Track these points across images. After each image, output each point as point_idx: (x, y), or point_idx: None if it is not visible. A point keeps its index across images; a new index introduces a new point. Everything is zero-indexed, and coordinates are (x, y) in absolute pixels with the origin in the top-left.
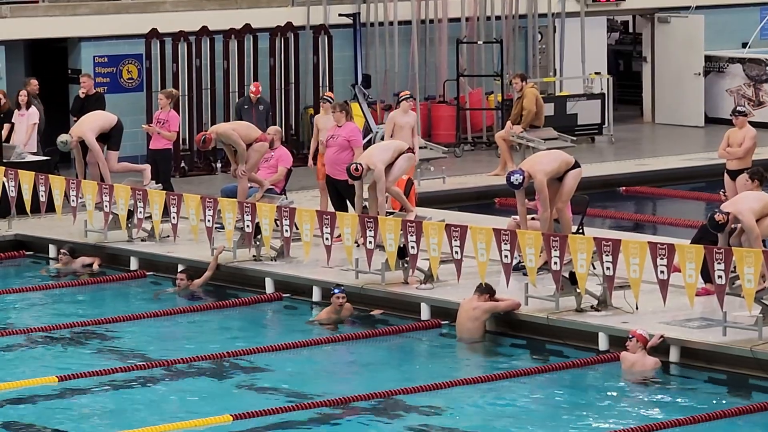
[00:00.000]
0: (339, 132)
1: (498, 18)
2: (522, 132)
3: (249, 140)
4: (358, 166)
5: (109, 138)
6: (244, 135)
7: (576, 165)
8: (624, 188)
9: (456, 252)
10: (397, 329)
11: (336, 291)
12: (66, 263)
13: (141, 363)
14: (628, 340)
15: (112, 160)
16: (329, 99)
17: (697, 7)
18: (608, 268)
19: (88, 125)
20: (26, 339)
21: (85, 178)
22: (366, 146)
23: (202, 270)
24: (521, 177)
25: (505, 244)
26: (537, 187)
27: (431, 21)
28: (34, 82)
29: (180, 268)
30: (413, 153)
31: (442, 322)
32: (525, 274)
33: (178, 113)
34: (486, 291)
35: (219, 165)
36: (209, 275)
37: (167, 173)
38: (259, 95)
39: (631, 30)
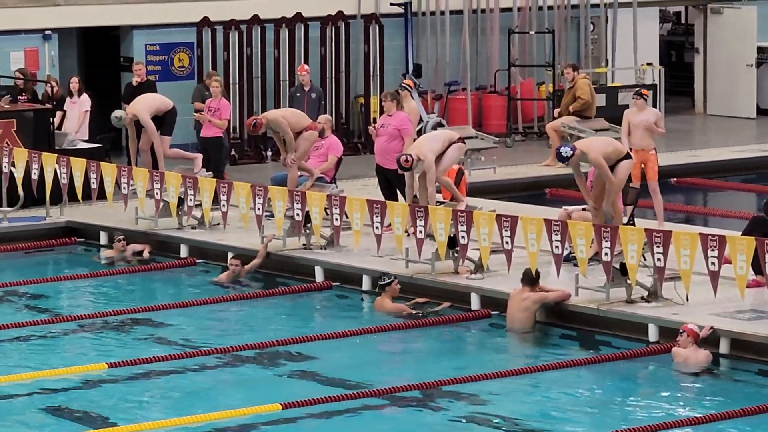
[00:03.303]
0: (389, 121)
1: (550, 8)
2: (574, 122)
3: (299, 128)
4: (408, 157)
5: (162, 123)
6: (294, 123)
7: (627, 156)
8: (675, 179)
9: (506, 242)
10: (447, 319)
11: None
12: (120, 250)
13: (190, 351)
14: (678, 335)
15: (165, 145)
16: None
17: None
18: (659, 260)
19: (143, 104)
20: (76, 326)
21: (138, 155)
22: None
23: (252, 258)
24: (571, 151)
25: (556, 234)
26: (595, 163)
27: (483, 11)
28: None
29: (230, 255)
30: (463, 143)
31: (492, 312)
32: (575, 265)
33: (229, 101)
34: (529, 283)
35: (269, 153)
36: (258, 263)
37: (218, 161)
38: (307, 76)
39: (683, 21)
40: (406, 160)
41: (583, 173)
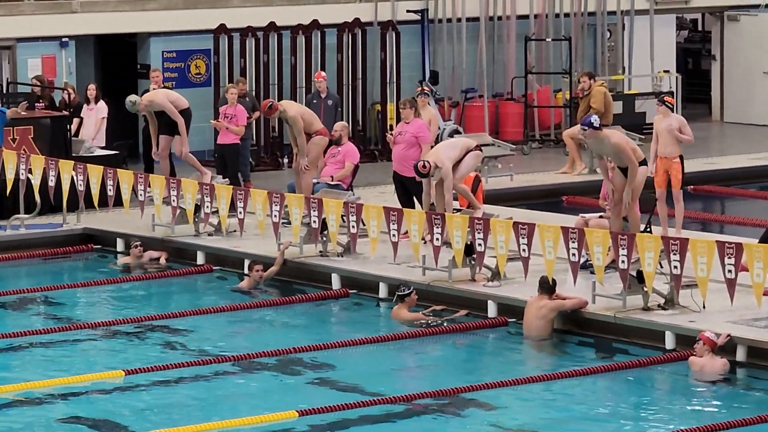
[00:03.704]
0: (407, 128)
1: (567, 15)
2: None
3: (309, 130)
4: (426, 163)
5: (176, 126)
6: (307, 123)
7: (643, 162)
8: (692, 187)
9: (523, 250)
10: (464, 327)
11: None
12: (137, 256)
13: (207, 358)
14: (696, 343)
15: (179, 146)
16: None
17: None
18: (676, 267)
19: (161, 92)
20: (93, 333)
21: (157, 146)
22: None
23: (269, 265)
24: (598, 120)
25: (573, 242)
26: (617, 148)
27: (499, 18)
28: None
29: (246, 262)
30: (481, 151)
31: (509, 320)
32: (592, 272)
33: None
34: (546, 291)
35: (285, 160)
36: (275, 270)
37: (235, 168)
38: (324, 82)
39: (700, 28)
40: (424, 167)
41: (597, 180)
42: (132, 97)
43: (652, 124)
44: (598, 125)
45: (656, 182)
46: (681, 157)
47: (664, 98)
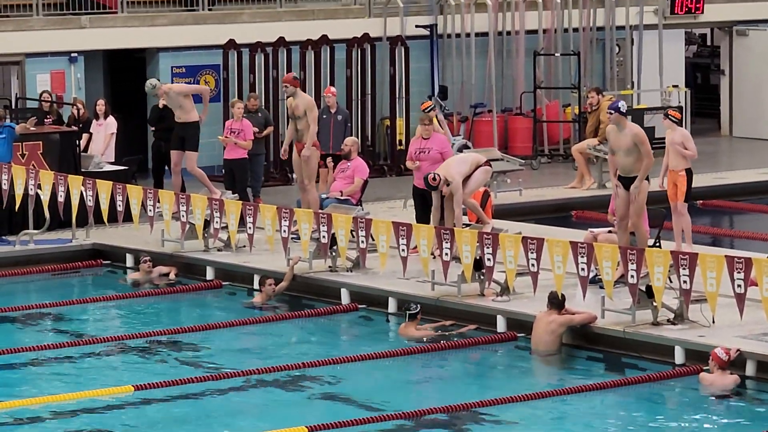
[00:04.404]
0: (429, 145)
1: (575, 30)
2: (599, 144)
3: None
4: (436, 176)
5: (185, 139)
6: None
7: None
8: (701, 202)
9: (532, 264)
10: (473, 341)
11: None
12: (147, 272)
13: (216, 373)
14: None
15: (191, 161)
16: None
17: None
18: (685, 282)
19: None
20: (103, 348)
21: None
22: None
23: (279, 280)
24: (625, 109)
25: (582, 257)
26: (637, 138)
27: (508, 33)
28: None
29: (256, 278)
30: (490, 166)
31: (518, 335)
32: (601, 287)
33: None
34: (556, 306)
35: (295, 175)
36: (285, 285)
37: (244, 183)
38: (333, 98)
39: (709, 43)
40: (434, 179)
41: (606, 195)
42: (152, 81)
43: (660, 138)
44: (624, 110)
45: (669, 195)
46: (688, 171)
47: (668, 112)
